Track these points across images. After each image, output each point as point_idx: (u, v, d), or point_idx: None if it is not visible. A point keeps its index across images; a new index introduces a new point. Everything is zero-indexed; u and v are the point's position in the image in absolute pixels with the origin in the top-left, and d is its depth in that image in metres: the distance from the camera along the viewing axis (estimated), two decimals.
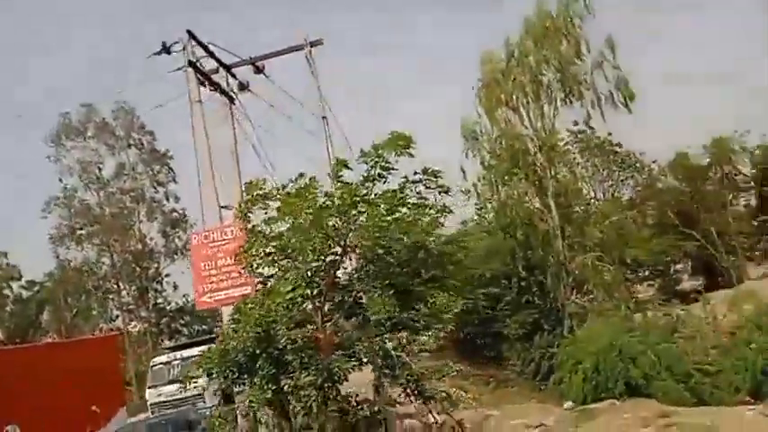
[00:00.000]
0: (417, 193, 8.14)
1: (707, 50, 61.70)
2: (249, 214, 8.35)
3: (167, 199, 37.88)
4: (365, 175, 7.76)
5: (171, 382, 15.69)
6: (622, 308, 20.61)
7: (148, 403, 17.08)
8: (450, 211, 8.98)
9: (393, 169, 7.77)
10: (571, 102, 23.74)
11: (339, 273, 8.24)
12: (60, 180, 35.80)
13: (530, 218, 23.33)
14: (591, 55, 23.05)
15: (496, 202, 24.71)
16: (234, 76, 12.94)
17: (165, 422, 14.12)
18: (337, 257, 7.96)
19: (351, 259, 8.26)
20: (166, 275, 38.57)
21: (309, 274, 7.71)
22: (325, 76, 15.76)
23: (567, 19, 23.06)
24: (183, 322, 39.63)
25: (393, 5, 79.85)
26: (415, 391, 8.45)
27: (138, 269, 37.56)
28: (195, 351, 13.56)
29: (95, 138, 36.22)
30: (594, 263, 21.99)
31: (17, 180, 61.99)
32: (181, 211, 37.90)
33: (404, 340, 8.15)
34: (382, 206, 7.64)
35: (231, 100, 12.70)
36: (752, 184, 37.43)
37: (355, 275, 8.23)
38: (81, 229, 36.49)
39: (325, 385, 7.55)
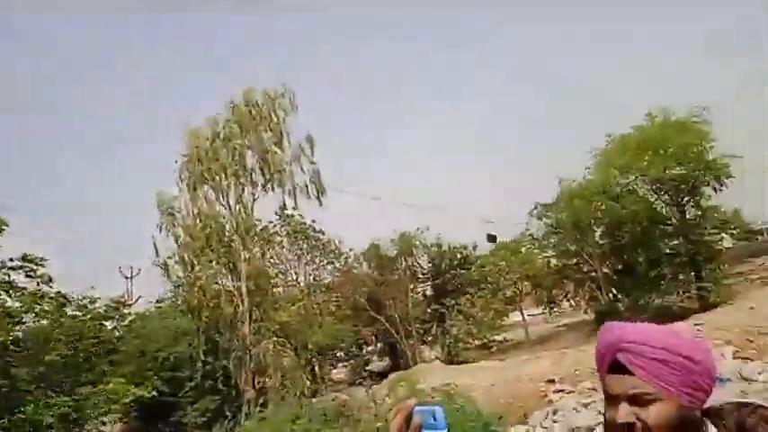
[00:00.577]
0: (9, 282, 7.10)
1: None
2: None
3: None
4: None
5: None
6: (296, 394, 21.12)
7: None
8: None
9: None
10: (273, 188, 24.75)
11: None
12: None
13: (218, 300, 22.94)
14: (292, 147, 24.73)
15: (187, 282, 23.83)
16: None
17: None
18: None
19: None
20: None
21: None
22: None
23: (271, 111, 24.45)
24: None
25: None
26: None
27: None
28: None
29: None
30: (276, 347, 22.40)
31: None
32: None
33: None
34: None
35: None
36: (429, 275, 43.54)
37: None
38: None
39: None
